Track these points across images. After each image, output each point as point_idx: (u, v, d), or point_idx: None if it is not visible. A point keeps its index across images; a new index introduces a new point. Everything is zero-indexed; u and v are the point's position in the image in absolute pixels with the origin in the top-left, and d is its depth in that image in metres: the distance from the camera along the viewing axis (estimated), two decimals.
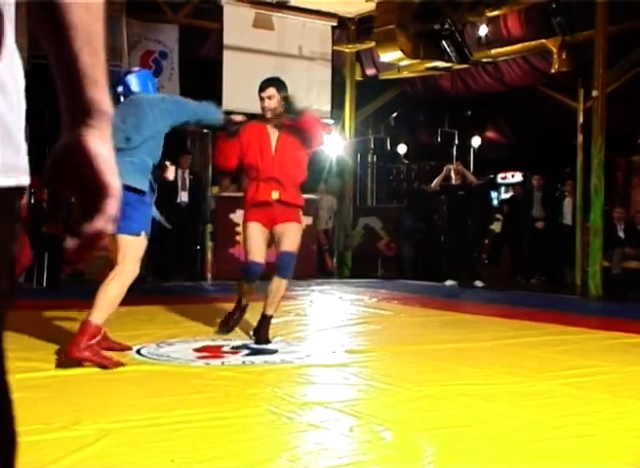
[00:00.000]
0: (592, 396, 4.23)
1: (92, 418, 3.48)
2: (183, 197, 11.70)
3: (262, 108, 5.85)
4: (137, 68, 6.29)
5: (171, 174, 5.72)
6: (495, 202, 16.66)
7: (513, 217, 13.55)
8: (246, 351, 5.41)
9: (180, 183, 11.67)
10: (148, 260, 11.69)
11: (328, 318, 7.61)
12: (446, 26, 11.47)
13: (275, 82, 5.91)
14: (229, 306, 8.34)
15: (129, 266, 5.12)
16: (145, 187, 5.14)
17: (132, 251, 5.07)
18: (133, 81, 5.83)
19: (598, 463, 2.98)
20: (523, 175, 16.67)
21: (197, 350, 5.44)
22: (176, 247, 11.79)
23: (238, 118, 6.05)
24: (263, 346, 5.64)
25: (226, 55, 12.21)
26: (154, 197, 5.38)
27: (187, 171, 11.79)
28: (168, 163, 5.86)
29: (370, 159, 17.89)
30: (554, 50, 11.11)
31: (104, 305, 4.97)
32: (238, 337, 6.02)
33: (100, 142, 1.16)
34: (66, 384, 4.28)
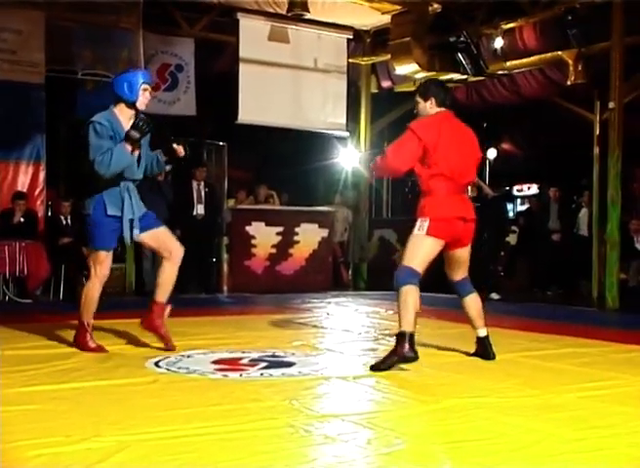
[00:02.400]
0: (611, 409, 4.22)
1: (111, 430, 3.49)
2: (199, 209, 11.73)
3: None
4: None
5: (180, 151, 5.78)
6: (510, 214, 16.64)
7: (529, 230, 13.52)
8: (264, 364, 5.40)
9: (195, 196, 11.71)
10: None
11: (344, 330, 7.61)
12: (461, 39, 11.50)
13: None
14: (246, 318, 8.39)
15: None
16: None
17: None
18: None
19: None
20: (539, 187, 16.64)
21: (215, 362, 5.44)
22: (192, 259, 11.81)
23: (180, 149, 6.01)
24: (280, 359, 5.64)
25: (242, 68, 12.27)
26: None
27: (203, 183, 11.82)
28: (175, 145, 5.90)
29: None
30: (570, 61, 11.11)
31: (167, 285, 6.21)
32: (255, 350, 6.03)
33: None
34: (86, 396, 4.30)
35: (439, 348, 6.42)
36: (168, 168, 6.70)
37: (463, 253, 5.66)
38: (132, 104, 5.79)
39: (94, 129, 5.71)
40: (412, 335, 5.17)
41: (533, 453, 3.33)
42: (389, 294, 4.70)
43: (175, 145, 5.97)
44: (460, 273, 5.76)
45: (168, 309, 6.21)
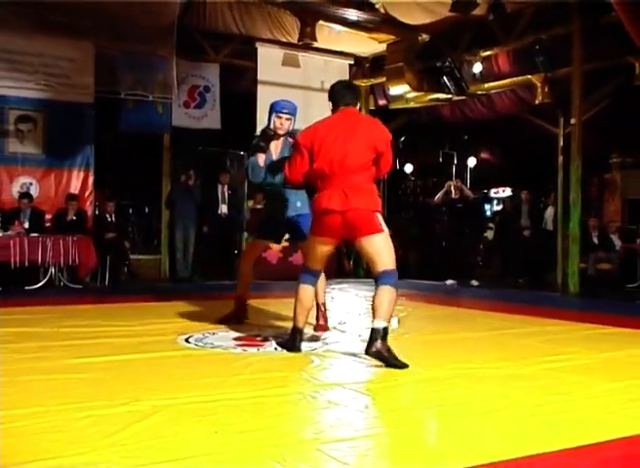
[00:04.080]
0: (570, 378, 4.23)
1: (148, 396, 3.52)
2: (224, 209, 11.75)
3: None
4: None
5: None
6: (488, 213, 16.60)
7: (503, 226, 13.51)
8: (278, 340, 5.41)
9: (220, 197, 11.72)
10: (193, 262, 11.77)
11: (346, 312, 7.61)
12: (446, 64, 11.48)
13: None
14: (262, 301, 8.41)
15: None
16: None
17: None
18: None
19: (576, 436, 2.98)
20: (512, 190, 16.59)
21: (236, 339, 5.46)
22: (217, 250, 11.84)
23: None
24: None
25: (260, 88, 12.28)
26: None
27: (226, 186, 11.83)
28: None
29: None
30: (538, 84, 11.08)
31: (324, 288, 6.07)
32: (270, 328, 6.04)
33: None
34: (126, 367, 4.32)
35: (426, 327, 6.43)
36: None
37: (364, 246, 4.60)
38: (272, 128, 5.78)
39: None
40: (300, 330, 4.97)
41: (503, 416, 3.34)
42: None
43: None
44: (375, 266, 4.61)
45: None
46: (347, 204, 4.52)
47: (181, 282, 11.20)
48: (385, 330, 4.45)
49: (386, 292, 4.51)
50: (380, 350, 4.39)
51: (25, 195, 10.35)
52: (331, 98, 4.90)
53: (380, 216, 4.61)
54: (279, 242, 6.46)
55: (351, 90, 4.98)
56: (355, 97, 4.93)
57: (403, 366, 4.39)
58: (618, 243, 12.55)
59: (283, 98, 6.10)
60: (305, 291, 4.97)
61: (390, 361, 4.40)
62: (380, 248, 4.57)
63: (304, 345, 5.12)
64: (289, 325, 6.25)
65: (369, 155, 4.62)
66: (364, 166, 4.61)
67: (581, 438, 2.93)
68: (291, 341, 5.00)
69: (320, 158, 4.63)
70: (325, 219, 4.64)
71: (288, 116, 5.80)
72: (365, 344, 4.49)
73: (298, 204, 5.86)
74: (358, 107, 5.01)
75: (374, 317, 4.50)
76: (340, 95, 4.86)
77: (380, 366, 4.43)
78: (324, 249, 4.84)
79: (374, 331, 4.44)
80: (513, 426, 3.18)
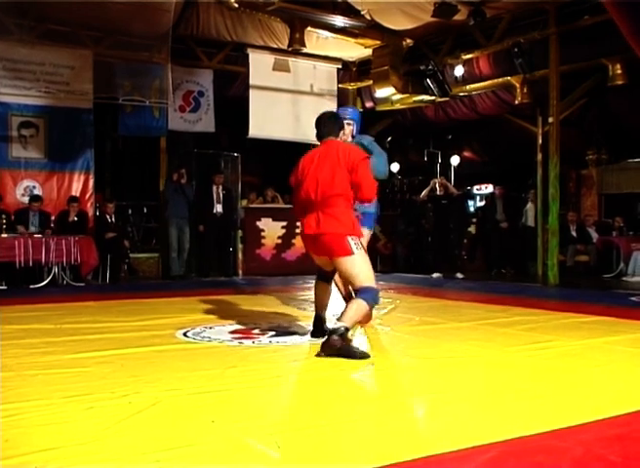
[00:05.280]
0: (551, 364, 4.24)
1: (148, 388, 3.50)
2: (218, 208, 11.73)
3: None
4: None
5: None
6: (471, 209, 16.61)
7: (484, 221, 13.53)
8: (272, 333, 5.40)
9: (215, 197, 11.69)
10: (190, 259, 11.75)
11: (337, 305, 7.60)
12: (430, 67, 11.49)
13: None
14: (257, 296, 8.40)
15: None
16: None
17: None
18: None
19: (557, 416, 2.98)
20: (494, 187, 16.63)
21: (232, 332, 5.44)
22: (213, 248, 11.82)
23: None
24: (285, 329, 5.63)
25: (252, 93, 12.29)
26: None
27: (221, 187, 11.81)
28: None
29: None
30: (517, 85, 11.10)
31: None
32: (265, 321, 6.03)
33: None
34: (127, 360, 4.29)
35: (413, 318, 6.42)
36: None
37: (338, 266, 4.70)
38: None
39: None
40: (318, 317, 5.17)
41: (488, 401, 3.35)
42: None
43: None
44: (352, 285, 4.80)
45: None
46: (319, 228, 4.64)
47: (175, 279, 11.16)
48: (345, 329, 4.38)
49: (355, 303, 4.54)
50: (336, 345, 4.31)
51: (35, 198, 10.33)
52: (316, 129, 4.96)
53: (351, 239, 4.60)
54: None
55: (333, 122, 4.99)
56: (337, 129, 4.98)
57: (364, 356, 4.34)
58: (595, 235, 12.61)
59: (343, 106, 6.13)
60: (318, 285, 5.16)
61: (349, 353, 4.32)
62: (352, 269, 4.60)
63: (300, 338, 5.13)
64: (283, 318, 6.29)
65: (343, 181, 4.64)
66: (339, 191, 4.63)
67: (562, 420, 2.93)
68: (313, 327, 5.18)
69: (302, 187, 4.75)
70: (305, 242, 4.90)
71: (348, 121, 5.77)
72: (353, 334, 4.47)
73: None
74: (340, 135, 5.03)
75: (337, 320, 4.49)
76: (322, 127, 4.93)
77: (371, 353, 4.42)
78: (319, 260, 4.94)
79: (330, 331, 4.42)
80: (498, 410, 3.18)
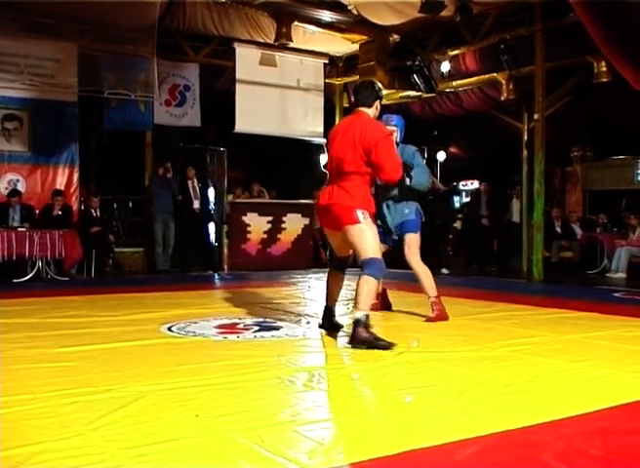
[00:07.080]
0: (534, 359, 4.26)
1: (131, 382, 3.49)
2: (196, 204, 11.74)
3: None
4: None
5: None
6: (457, 205, 16.67)
7: (469, 217, 13.57)
8: (256, 327, 5.40)
9: (192, 193, 11.68)
10: (174, 254, 11.70)
11: (323, 300, 7.60)
12: (416, 63, 11.49)
13: None
14: (243, 291, 8.39)
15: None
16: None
17: None
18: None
19: (539, 411, 3.01)
20: (479, 183, 16.68)
21: (217, 327, 5.43)
22: (194, 242, 11.78)
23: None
24: (270, 324, 5.64)
25: (238, 87, 12.25)
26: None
27: (195, 180, 11.77)
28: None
29: None
30: (503, 81, 11.15)
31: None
32: (250, 316, 6.03)
33: None
34: (111, 355, 4.28)
35: (400, 313, 6.44)
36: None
37: (346, 236, 4.75)
38: None
39: None
40: (328, 308, 5.33)
41: (474, 396, 3.36)
42: (359, 271, 4.67)
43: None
44: (358, 256, 4.77)
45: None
46: (331, 199, 4.77)
47: (160, 273, 11.13)
48: (366, 317, 4.54)
49: (363, 282, 4.60)
50: (363, 337, 4.49)
51: (13, 193, 10.24)
52: (353, 96, 5.03)
53: (360, 212, 4.68)
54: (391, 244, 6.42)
55: (369, 91, 4.95)
56: (372, 98, 4.92)
57: (389, 345, 4.48)
58: (579, 232, 12.69)
59: (388, 113, 6.13)
60: (331, 274, 5.27)
61: (377, 344, 4.48)
62: (359, 238, 4.68)
63: (282, 332, 5.13)
64: (268, 313, 6.28)
65: (356, 160, 4.70)
66: (351, 169, 4.71)
67: (544, 415, 2.95)
68: (322, 319, 5.34)
69: (328, 156, 4.94)
70: (319, 216, 5.10)
71: (392, 127, 5.77)
72: (341, 330, 4.49)
73: (405, 211, 6.03)
74: (376, 105, 4.94)
75: (354, 307, 4.66)
76: (357, 95, 4.96)
77: (357, 350, 4.44)
78: (334, 238, 5.01)
79: (354, 321, 4.56)
80: (482, 405, 3.19)
